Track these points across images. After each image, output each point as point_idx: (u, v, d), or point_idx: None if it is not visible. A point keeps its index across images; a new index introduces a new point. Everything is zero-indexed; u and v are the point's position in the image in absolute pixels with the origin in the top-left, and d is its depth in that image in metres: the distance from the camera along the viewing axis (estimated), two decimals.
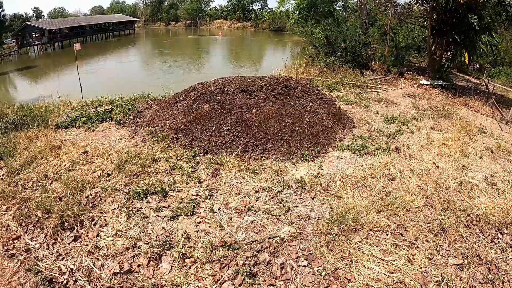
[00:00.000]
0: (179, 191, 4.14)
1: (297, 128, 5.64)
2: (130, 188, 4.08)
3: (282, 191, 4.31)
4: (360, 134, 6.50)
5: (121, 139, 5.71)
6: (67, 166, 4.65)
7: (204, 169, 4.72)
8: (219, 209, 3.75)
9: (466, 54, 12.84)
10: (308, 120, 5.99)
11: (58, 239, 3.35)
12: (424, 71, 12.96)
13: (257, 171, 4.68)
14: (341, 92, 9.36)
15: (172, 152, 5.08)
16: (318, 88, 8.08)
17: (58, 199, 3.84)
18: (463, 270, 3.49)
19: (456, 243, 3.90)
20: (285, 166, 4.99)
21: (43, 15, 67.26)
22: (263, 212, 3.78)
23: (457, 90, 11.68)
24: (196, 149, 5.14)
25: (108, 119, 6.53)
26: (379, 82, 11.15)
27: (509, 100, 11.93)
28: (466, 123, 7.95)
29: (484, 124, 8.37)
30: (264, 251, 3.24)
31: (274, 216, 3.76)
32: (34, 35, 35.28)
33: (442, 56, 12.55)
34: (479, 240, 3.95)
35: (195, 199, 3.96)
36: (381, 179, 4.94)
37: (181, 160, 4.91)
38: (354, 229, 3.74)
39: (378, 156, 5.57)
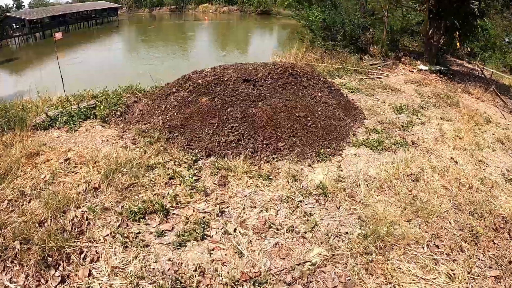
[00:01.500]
0: (183, 207, 3.37)
1: (310, 123, 4.97)
2: (123, 206, 3.27)
3: (303, 201, 3.69)
4: (373, 126, 5.94)
5: (107, 140, 4.83)
6: (47, 178, 3.78)
7: (209, 177, 3.98)
8: (234, 230, 3.07)
9: (458, 38, 12.41)
10: (320, 113, 5.31)
11: (42, 280, 2.60)
12: (420, 56, 12.46)
13: (271, 177, 4.01)
14: (344, 79, 8.69)
15: (168, 156, 4.27)
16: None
17: (37, 224, 3.05)
18: (499, 282, 3.12)
19: (489, 250, 3.53)
20: (301, 169, 4.36)
21: (24, 6, 62.25)
22: (286, 231, 3.16)
23: (455, 76, 11.31)
24: (196, 151, 4.37)
25: (92, 117, 5.55)
26: (379, 67, 10.55)
27: (503, 86, 11.73)
28: (472, 112, 7.60)
29: (488, 113, 8.06)
30: (296, 283, 2.65)
31: (300, 235, 3.14)
32: (14, 26, 32.77)
33: (440, 41, 12.06)
34: (510, 247, 3.61)
35: (204, 217, 3.23)
36: (404, 180, 4.46)
37: (180, 165, 4.13)
38: (391, 245, 3.23)
39: (397, 153, 5.08)
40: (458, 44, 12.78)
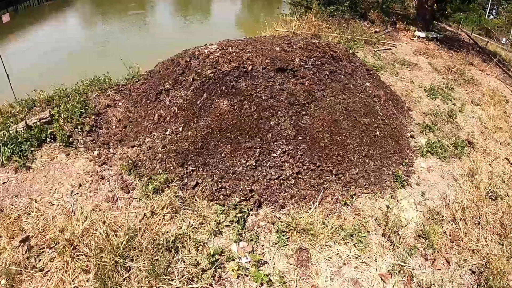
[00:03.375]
0: None
1: (378, 132, 3.53)
2: None
3: (411, 264, 2.45)
4: (423, 121, 4.76)
5: (80, 185, 2.81)
6: None
7: (277, 250, 2.36)
8: None
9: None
10: (381, 113, 3.87)
11: None
12: (414, 21, 11.34)
13: (361, 233, 2.64)
14: (358, 52, 7.17)
15: (195, 216, 2.47)
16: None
17: None
18: None
19: None
20: (386, 206, 3.05)
21: None
22: None
23: (448, 42, 10.59)
24: (237, 199, 2.60)
25: (49, 139, 3.28)
26: (383, 36, 9.17)
27: (490, 53, 11.47)
28: (491, 91, 6.94)
29: (500, 89, 7.53)
30: None
31: None
32: None
33: (434, 5, 10.95)
34: None
35: None
36: (486, 200, 3.49)
37: (220, 233, 2.47)
38: None
39: (461, 159, 4.06)
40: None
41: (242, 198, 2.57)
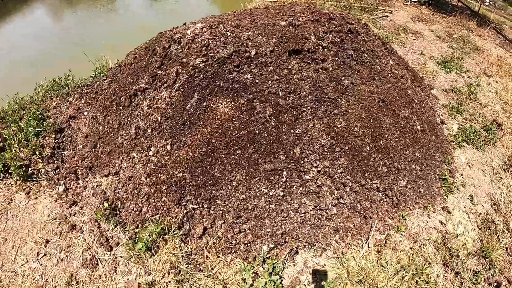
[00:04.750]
0: None
1: (419, 126, 2.77)
2: None
3: None
4: (448, 102, 4.05)
5: (47, 242, 1.84)
6: None
7: None
8: None
9: None
10: (416, 101, 3.08)
11: None
12: None
13: (426, 270, 1.95)
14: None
15: (211, 282, 1.60)
16: None
17: None
18: None
19: None
20: (440, 221, 2.36)
21: None
22: None
23: (446, 9, 9.78)
24: (264, 247, 1.70)
25: (3, 174, 2.31)
26: (377, 1, 8.13)
27: (481, 16, 10.82)
28: (497, 59, 6.34)
29: (503, 57, 6.97)
30: None
31: None
32: None
33: None
34: None
35: None
36: None
37: None
38: None
39: (495, 146, 3.46)
40: None
41: (272, 245, 1.80)
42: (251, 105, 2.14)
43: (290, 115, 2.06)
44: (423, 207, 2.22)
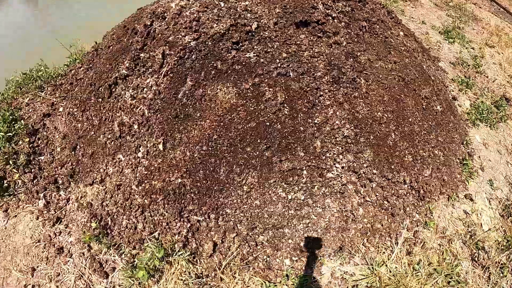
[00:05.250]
0: None
1: (439, 106, 2.47)
2: None
3: None
4: (457, 76, 3.75)
5: (34, 271, 1.47)
6: None
7: None
8: None
9: None
10: (432, 76, 2.76)
11: None
12: None
13: (457, 269, 1.76)
14: None
15: None
16: None
17: None
18: None
19: None
20: (465, 213, 2.16)
21: None
22: None
23: None
24: (286, 261, 1.41)
25: None
26: None
27: None
28: (495, 29, 6.06)
29: (501, 26, 6.69)
30: None
31: None
32: None
33: None
34: None
35: None
36: None
37: None
38: None
39: (508, 125, 3.26)
40: None
41: (295, 258, 1.54)
42: (258, 91, 1.76)
43: (305, 101, 1.71)
44: (447, 196, 2.01)
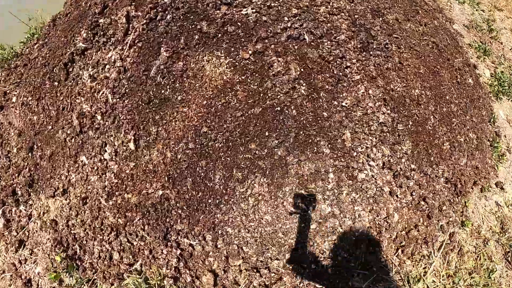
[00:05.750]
0: None
1: (470, 79, 1.85)
2: None
3: None
4: (473, 41, 3.08)
5: None
6: None
7: None
8: None
9: None
10: (459, 41, 2.11)
11: None
12: None
13: (494, 274, 1.34)
14: None
15: None
16: None
17: None
18: None
19: None
20: (497, 204, 1.70)
21: None
22: None
23: None
24: None
25: None
26: None
27: None
28: None
29: None
30: None
31: None
32: None
33: None
34: None
35: None
36: None
37: None
38: None
39: None
40: None
41: (319, 286, 1.07)
42: (262, 62, 1.13)
43: (328, 75, 1.10)
44: (480, 187, 1.56)
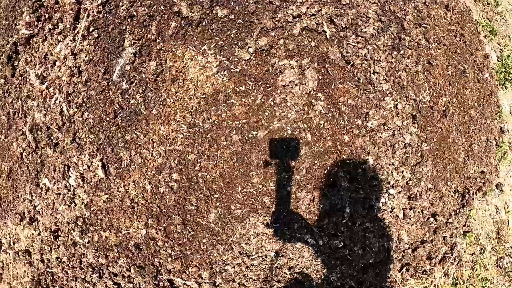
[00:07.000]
0: None
1: (488, 74, 1.51)
2: None
3: None
4: (481, 17, 2.57)
5: None
6: None
7: None
8: None
9: None
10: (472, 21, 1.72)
11: None
12: None
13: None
14: None
15: None
16: None
17: None
18: None
19: None
20: (496, 208, 1.55)
21: None
22: None
23: None
24: None
25: None
26: None
27: None
28: None
29: None
30: None
31: None
32: None
33: None
34: None
35: None
36: None
37: None
38: None
39: None
40: None
41: None
42: (268, 65, 0.78)
43: (353, 84, 0.77)
44: (483, 192, 1.42)
